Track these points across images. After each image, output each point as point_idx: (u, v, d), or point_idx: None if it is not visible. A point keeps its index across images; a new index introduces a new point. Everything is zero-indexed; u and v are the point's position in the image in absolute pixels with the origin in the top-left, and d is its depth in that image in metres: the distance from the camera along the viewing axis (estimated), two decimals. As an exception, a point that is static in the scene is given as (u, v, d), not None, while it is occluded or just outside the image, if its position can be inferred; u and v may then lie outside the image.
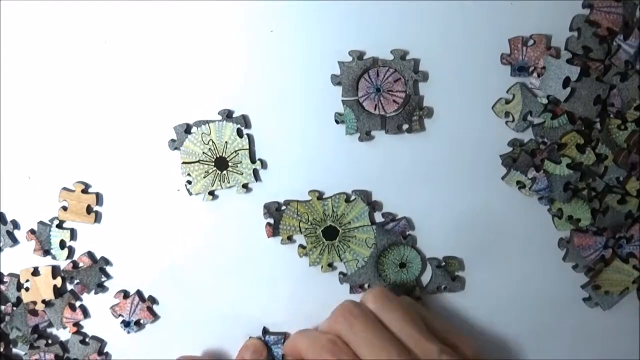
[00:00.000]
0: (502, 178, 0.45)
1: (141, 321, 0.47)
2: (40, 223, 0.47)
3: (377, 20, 0.44)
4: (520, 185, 0.45)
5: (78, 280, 0.47)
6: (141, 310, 0.47)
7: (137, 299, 0.47)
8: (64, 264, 0.47)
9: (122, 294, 0.47)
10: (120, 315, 0.47)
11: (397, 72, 0.44)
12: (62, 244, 0.47)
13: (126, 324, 0.47)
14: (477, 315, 0.47)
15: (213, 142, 0.45)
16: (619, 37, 0.43)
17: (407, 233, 0.46)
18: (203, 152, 0.46)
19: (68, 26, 0.45)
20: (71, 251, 0.47)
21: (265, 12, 0.44)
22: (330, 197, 0.46)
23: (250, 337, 0.47)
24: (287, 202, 0.46)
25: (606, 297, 0.46)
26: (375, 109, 0.45)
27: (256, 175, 0.46)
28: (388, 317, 0.41)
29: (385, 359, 0.38)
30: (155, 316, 0.48)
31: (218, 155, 0.46)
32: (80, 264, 0.47)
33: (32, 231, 0.47)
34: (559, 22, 0.43)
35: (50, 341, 0.48)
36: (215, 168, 0.46)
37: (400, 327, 0.40)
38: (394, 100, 0.45)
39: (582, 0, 0.43)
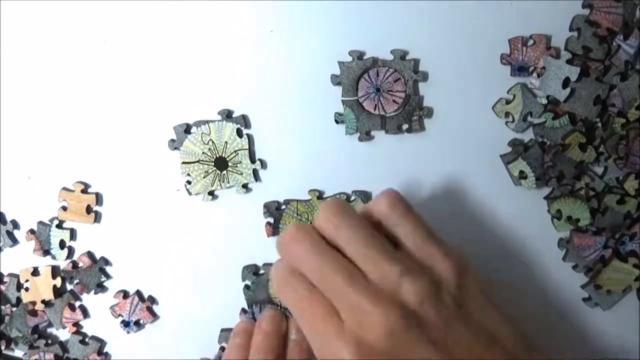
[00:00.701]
0: (508, 163, 0.45)
1: (141, 321, 0.47)
2: (40, 223, 0.47)
3: (377, 20, 0.44)
4: (522, 176, 0.45)
5: (78, 280, 0.47)
6: (141, 310, 0.47)
7: (136, 299, 0.47)
8: (63, 264, 0.47)
9: (121, 294, 0.47)
10: (120, 315, 0.47)
11: (397, 72, 0.44)
12: (62, 244, 0.47)
13: (126, 324, 0.47)
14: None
15: (213, 142, 0.45)
16: (619, 37, 0.43)
17: (408, 234, 0.46)
18: (203, 152, 0.46)
19: (68, 26, 0.45)
20: (71, 251, 0.47)
21: (265, 12, 0.45)
22: (331, 197, 0.46)
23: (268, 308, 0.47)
24: (287, 202, 0.46)
25: (606, 297, 0.46)
26: (375, 109, 0.45)
27: (256, 175, 0.46)
28: (342, 238, 0.36)
29: (330, 287, 0.35)
30: (154, 316, 0.48)
31: (218, 155, 0.46)
32: (80, 264, 0.47)
33: (32, 231, 0.47)
34: (559, 22, 0.43)
35: (49, 341, 0.48)
36: (215, 168, 0.46)
37: (355, 247, 0.36)
38: (393, 100, 0.45)
39: (582, 0, 0.43)
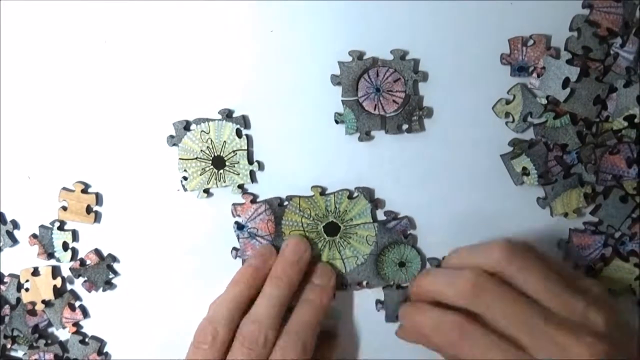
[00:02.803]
0: (511, 159, 0.45)
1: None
2: (42, 227, 0.47)
3: (377, 20, 0.44)
4: (525, 172, 0.44)
5: (86, 278, 0.47)
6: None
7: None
8: (69, 265, 0.47)
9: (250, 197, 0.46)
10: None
11: (397, 72, 0.44)
12: (65, 246, 0.47)
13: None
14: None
15: (212, 140, 0.45)
16: (617, 45, 0.43)
17: (408, 232, 0.46)
18: (201, 150, 0.46)
19: (68, 26, 0.45)
20: (74, 253, 0.47)
21: (265, 12, 0.45)
22: (333, 193, 0.46)
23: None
24: (290, 198, 0.46)
25: (606, 297, 0.46)
26: (375, 109, 0.45)
27: (252, 176, 0.46)
28: (522, 278, 0.37)
29: (528, 327, 0.35)
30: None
31: (216, 154, 0.46)
32: (88, 262, 0.47)
33: (35, 235, 0.47)
34: (559, 22, 0.43)
35: (49, 341, 0.48)
36: (212, 166, 0.46)
37: (539, 288, 0.36)
38: (393, 100, 0.45)
39: (582, 0, 0.43)
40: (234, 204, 0.46)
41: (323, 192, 0.46)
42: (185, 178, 0.46)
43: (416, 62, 0.44)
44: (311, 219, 0.46)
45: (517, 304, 0.36)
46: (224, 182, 0.46)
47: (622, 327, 0.37)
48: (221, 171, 0.46)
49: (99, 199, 0.47)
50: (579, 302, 0.35)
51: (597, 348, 0.34)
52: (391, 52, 0.44)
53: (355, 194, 0.46)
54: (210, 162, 0.46)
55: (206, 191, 0.46)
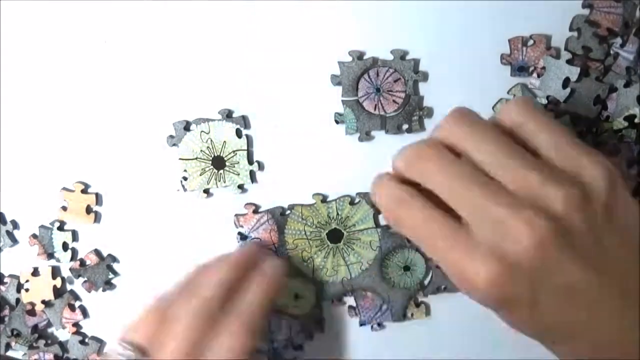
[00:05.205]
0: None
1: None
2: (42, 227, 0.47)
3: (377, 20, 0.44)
4: None
5: (86, 279, 0.47)
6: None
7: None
8: (69, 265, 0.47)
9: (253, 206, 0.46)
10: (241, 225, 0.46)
11: (397, 72, 0.44)
12: (65, 246, 0.47)
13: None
14: (476, 315, 0.47)
15: (211, 140, 0.45)
16: (617, 45, 0.43)
17: (412, 236, 0.46)
18: (201, 150, 0.46)
19: (68, 26, 0.45)
20: (74, 253, 0.47)
21: (265, 12, 0.45)
22: (335, 199, 0.46)
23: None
24: (292, 206, 0.46)
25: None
26: (375, 109, 0.45)
27: (252, 176, 0.46)
28: (474, 148, 0.32)
29: (464, 201, 0.31)
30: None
31: (216, 155, 0.46)
32: (88, 262, 0.47)
33: (34, 236, 0.47)
34: (559, 22, 0.43)
35: (49, 341, 0.48)
36: (212, 167, 0.46)
37: (489, 156, 0.31)
38: (393, 101, 0.45)
39: (582, 0, 0.43)
40: (236, 215, 0.46)
41: (324, 199, 0.46)
42: (185, 178, 0.46)
43: (416, 62, 0.44)
44: (314, 226, 0.46)
45: (455, 174, 0.31)
46: (224, 182, 0.46)
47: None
48: (221, 171, 0.46)
49: (99, 199, 0.47)
50: (536, 176, 0.30)
51: (537, 223, 0.29)
52: (391, 52, 0.44)
53: (357, 200, 0.46)
54: (210, 162, 0.46)
55: (206, 191, 0.46)
